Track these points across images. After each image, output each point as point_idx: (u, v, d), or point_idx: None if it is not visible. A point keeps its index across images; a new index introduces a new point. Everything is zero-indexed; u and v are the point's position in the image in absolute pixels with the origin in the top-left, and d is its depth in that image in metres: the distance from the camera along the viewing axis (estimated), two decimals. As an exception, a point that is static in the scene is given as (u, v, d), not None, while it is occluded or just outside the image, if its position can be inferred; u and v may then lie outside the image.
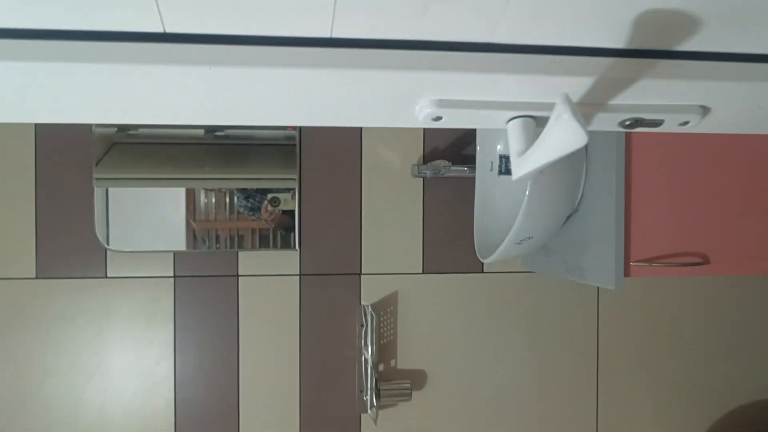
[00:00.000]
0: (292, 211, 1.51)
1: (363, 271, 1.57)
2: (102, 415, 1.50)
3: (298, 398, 1.55)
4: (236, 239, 1.48)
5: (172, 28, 0.43)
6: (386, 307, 1.58)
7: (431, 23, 0.42)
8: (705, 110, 0.49)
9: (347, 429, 1.57)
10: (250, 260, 1.53)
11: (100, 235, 1.46)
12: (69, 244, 1.48)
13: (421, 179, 1.58)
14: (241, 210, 1.47)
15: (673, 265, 1.23)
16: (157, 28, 0.43)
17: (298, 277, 1.55)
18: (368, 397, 1.52)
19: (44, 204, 1.47)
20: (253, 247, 1.49)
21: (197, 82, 0.45)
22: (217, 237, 1.47)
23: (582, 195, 1.31)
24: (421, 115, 0.48)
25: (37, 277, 1.47)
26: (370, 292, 1.57)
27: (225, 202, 1.47)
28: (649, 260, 1.23)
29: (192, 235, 1.47)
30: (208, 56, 0.44)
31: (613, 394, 1.66)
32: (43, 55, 0.42)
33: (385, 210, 1.57)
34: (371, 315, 1.52)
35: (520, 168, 0.47)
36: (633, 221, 1.23)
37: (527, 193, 1.18)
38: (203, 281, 1.52)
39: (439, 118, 0.49)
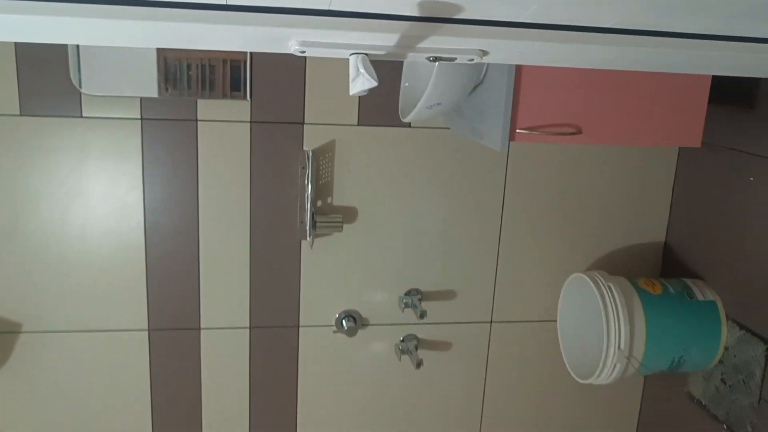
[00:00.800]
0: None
1: (306, 121, 1.82)
2: (83, 232, 1.80)
3: (248, 226, 1.86)
4: (200, 80, 1.71)
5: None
6: (325, 153, 1.85)
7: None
8: (484, 52, 0.73)
9: (289, 251, 1.90)
10: (207, 108, 1.77)
11: (74, 78, 1.68)
12: (48, 86, 1.70)
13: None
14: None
15: (551, 133, 1.51)
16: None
17: (249, 124, 1.80)
18: (307, 226, 1.84)
19: (24, 46, 1.67)
20: (211, 96, 1.72)
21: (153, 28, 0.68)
22: (188, 77, 1.70)
23: (487, 68, 1.55)
24: (292, 49, 0.72)
25: (21, 114, 1.71)
26: (312, 139, 1.84)
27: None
28: (531, 128, 1.50)
29: (158, 79, 1.69)
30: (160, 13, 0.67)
31: (513, 237, 2.00)
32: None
33: (328, 68, 1.79)
34: (311, 159, 1.80)
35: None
36: (521, 95, 1.48)
37: (435, 68, 1.41)
38: (167, 124, 1.76)
39: (303, 52, 0.73)
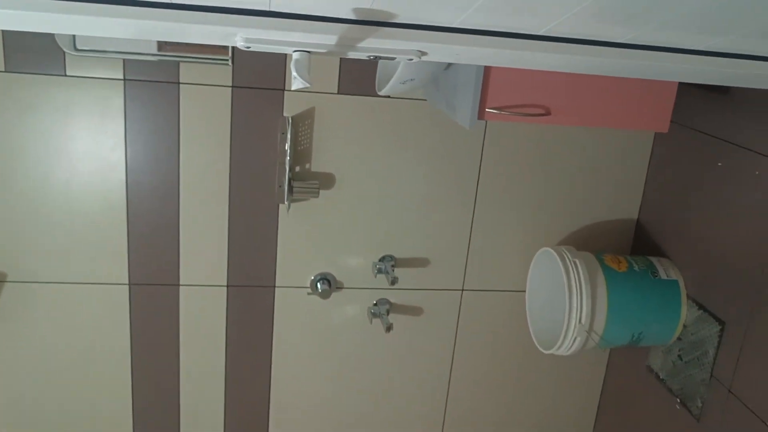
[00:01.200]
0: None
1: (286, 87, 1.85)
2: (67, 188, 1.85)
3: (227, 187, 1.91)
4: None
5: None
6: (305, 120, 1.89)
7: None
8: (422, 53, 0.77)
9: (267, 214, 1.96)
10: (189, 72, 1.80)
11: (59, 37, 1.71)
12: (33, 44, 1.72)
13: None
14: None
15: (520, 114, 1.54)
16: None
17: (230, 89, 1.83)
18: (284, 191, 1.88)
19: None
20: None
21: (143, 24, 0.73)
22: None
23: (462, 46, 1.57)
24: (238, 44, 0.76)
25: (5, 71, 1.74)
26: (292, 106, 1.87)
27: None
28: (500, 108, 1.53)
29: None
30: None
31: (487, 208, 2.04)
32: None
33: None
34: (291, 125, 1.84)
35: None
36: (492, 75, 1.51)
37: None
38: (149, 85, 1.80)
39: (248, 47, 0.76)
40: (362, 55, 0.77)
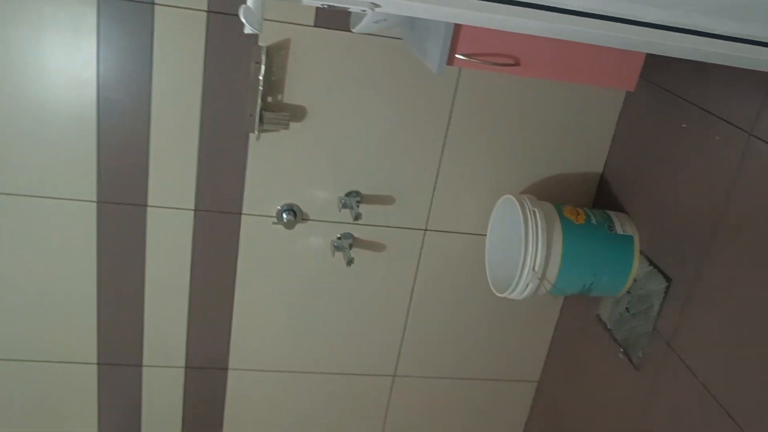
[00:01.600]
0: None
1: (263, 17, 1.84)
2: (38, 103, 1.85)
3: (199, 111, 1.92)
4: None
5: None
6: (279, 51, 1.88)
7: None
8: (375, 4, 0.78)
9: (238, 141, 1.97)
10: (164, -8, 1.78)
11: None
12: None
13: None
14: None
15: (489, 63, 1.55)
16: None
17: (206, 13, 1.82)
18: (255, 120, 1.90)
19: None
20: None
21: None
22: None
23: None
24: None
25: (-23, -23, 1.71)
26: (267, 35, 1.86)
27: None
28: (470, 55, 1.54)
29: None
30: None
31: (456, 152, 2.07)
32: None
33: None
34: (265, 55, 1.84)
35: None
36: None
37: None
38: (123, 4, 1.77)
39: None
40: (317, 3, 0.78)
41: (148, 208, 2.01)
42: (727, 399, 1.57)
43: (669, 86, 1.88)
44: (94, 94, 1.86)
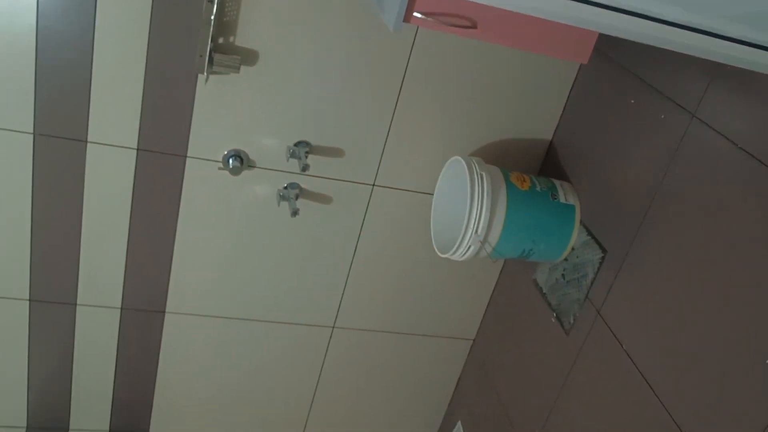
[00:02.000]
0: None
1: (218, -46, 1.77)
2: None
3: (146, 46, 1.85)
4: None
5: None
6: (233, -9, 1.82)
7: None
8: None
9: (186, 81, 1.91)
10: None
11: None
12: None
13: None
14: None
15: (446, 23, 1.53)
16: None
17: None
18: (205, 61, 1.84)
19: None
20: None
21: None
22: None
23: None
24: None
25: None
26: (221, -26, 1.79)
27: None
28: (427, 14, 1.51)
29: None
30: None
31: (408, 109, 2.06)
32: None
33: None
34: (218, -5, 1.77)
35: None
36: (424, -21, 1.47)
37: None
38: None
39: None
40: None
41: (88, 144, 1.95)
42: (647, 368, 1.64)
43: (622, 61, 1.90)
44: (33, 22, 1.77)
